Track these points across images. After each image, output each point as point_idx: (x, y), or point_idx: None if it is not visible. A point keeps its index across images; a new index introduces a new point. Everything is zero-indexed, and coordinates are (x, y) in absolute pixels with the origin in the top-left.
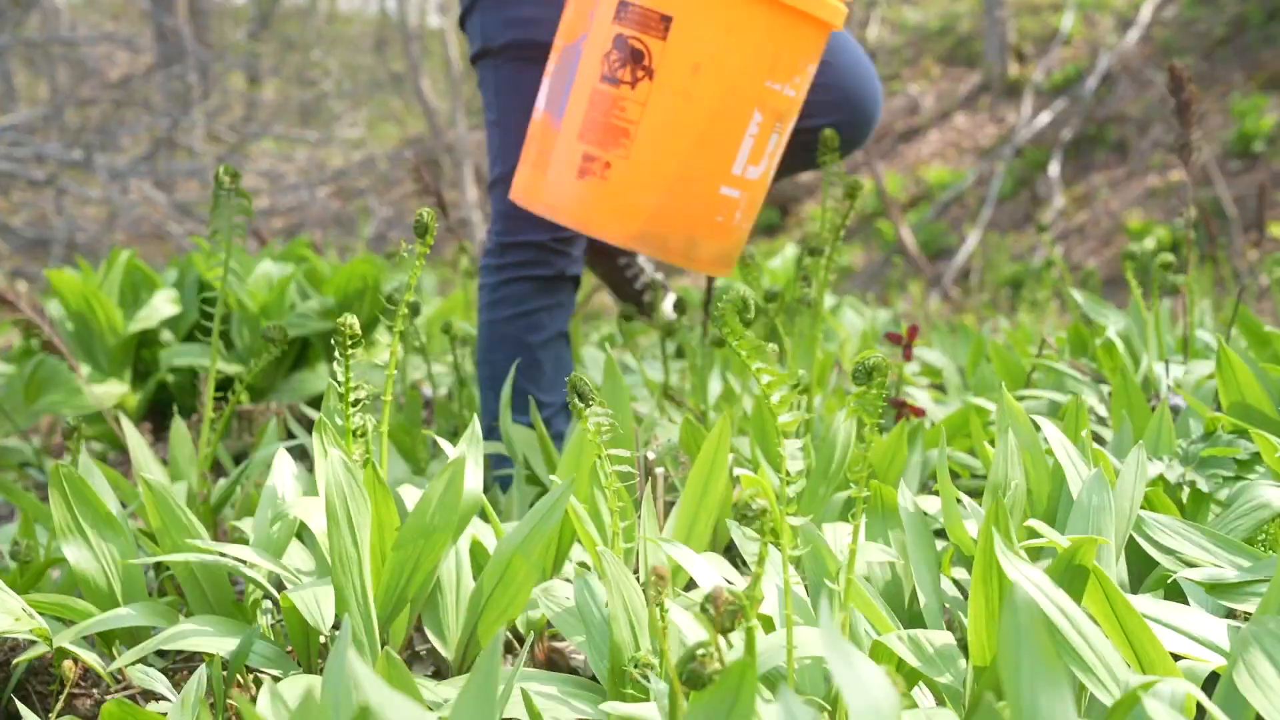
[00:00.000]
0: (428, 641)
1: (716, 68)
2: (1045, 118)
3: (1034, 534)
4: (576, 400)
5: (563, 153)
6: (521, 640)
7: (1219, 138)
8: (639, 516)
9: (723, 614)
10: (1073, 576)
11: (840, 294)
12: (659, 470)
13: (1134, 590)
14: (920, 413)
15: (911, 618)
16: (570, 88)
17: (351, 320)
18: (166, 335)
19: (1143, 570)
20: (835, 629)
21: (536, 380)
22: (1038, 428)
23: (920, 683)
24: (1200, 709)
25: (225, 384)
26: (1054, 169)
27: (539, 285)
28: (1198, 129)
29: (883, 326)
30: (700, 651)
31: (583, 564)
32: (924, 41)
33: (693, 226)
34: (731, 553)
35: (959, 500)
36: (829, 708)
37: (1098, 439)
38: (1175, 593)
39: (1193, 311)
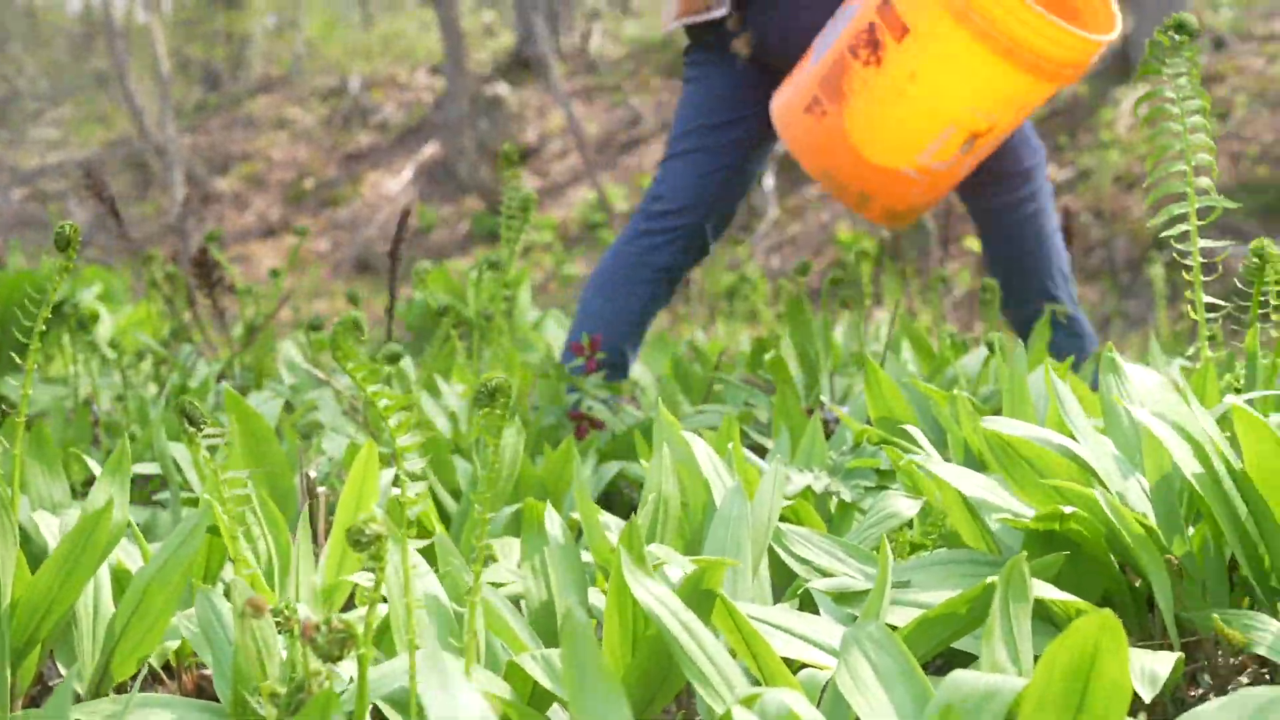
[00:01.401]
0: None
1: (929, 82)
2: None
3: (694, 548)
4: (187, 424)
5: (803, 85)
6: (170, 669)
7: None
8: (294, 538)
9: (331, 641)
10: (701, 596)
11: (575, 301)
12: (321, 490)
13: (777, 600)
14: (599, 425)
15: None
16: (832, 41)
17: None
18: None
19: (790, 579)
20: (437, 653)
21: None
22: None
23: (556, 703)
24: None
25: None
26: (769, 181)
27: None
28: None
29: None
30: (312, 680)
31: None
32: (645, 54)
33: (870, 187)
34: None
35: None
36: None
37: (763, 451)
38: (811, 602)
39: (862, 325)
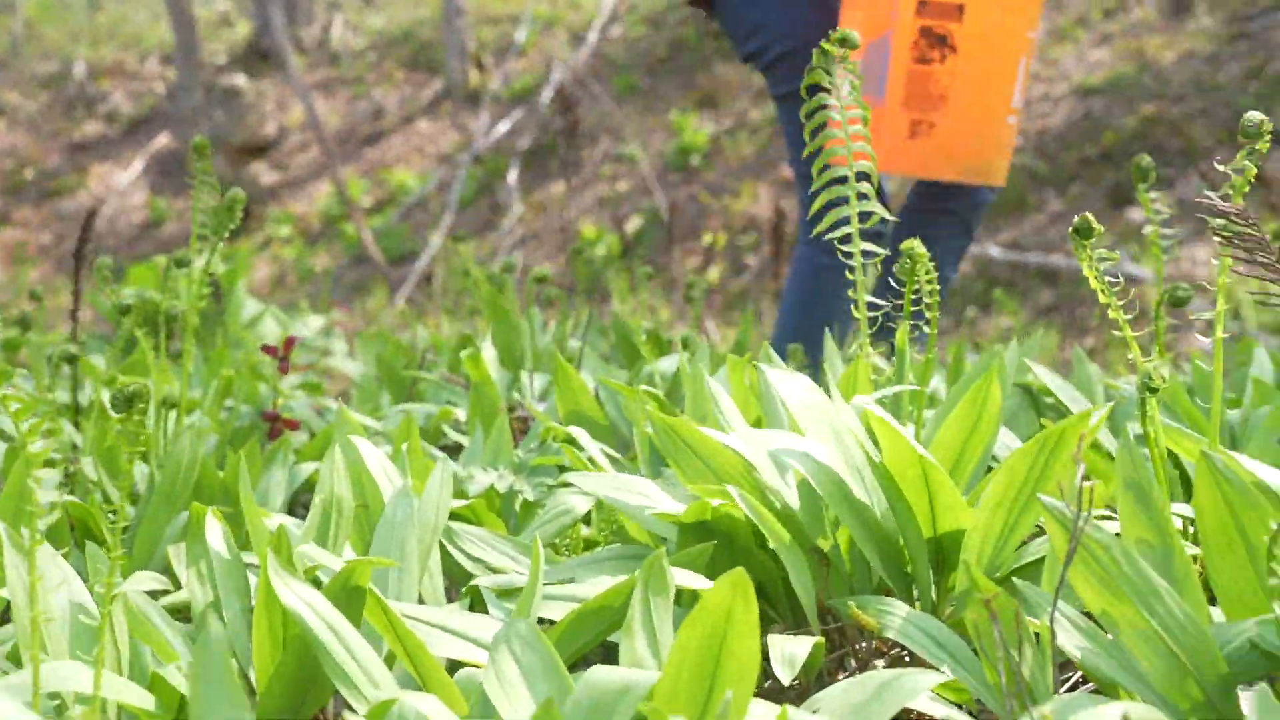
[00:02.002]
0: None
1: (1001, 35)
2: (504, 126)
3: (363, 547)
4: None
5: (892, 123)
6: None
7: (662, 151)
8: None
9: None
10: (350, 596)
11: (308, 298)
12: None
13: (452, 600)
14: (294, 426)
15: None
16: (886, 72)
17: None
18: None
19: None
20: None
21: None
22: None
23: None
24: None
25: None
26: (513, 176)
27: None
28: (586, 148)
29: (313, 334)
30: None
31: None
32: (387, 46)
33: (994, 153)
34: None
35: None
36: None
37: (460, 449)
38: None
39: (565, 323)
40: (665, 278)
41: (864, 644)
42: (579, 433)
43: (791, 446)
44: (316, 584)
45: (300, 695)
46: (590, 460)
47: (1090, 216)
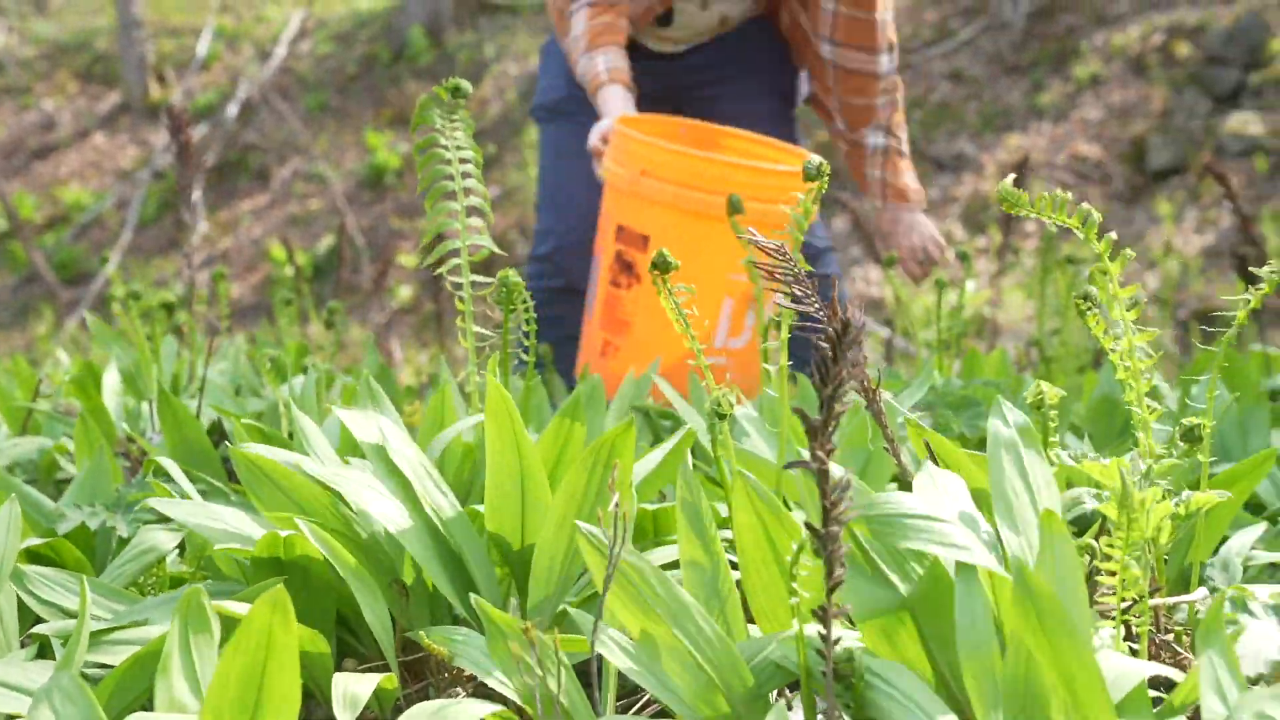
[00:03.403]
0: None
1: (690, 271)
2: None
3: None
4: None
5: (590, 338)
6: None
7: (354, 170)
8: None
9: None
10: None
11: None
12: None
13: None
14: None
15: None
16: (595, 288)
17: None
18: None
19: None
20: None
21: None
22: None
23: None
24: None
25: None
26: (197, 194)
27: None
28: (196, 168)
29: None
30: None
31: None
32: (59, 55)
33: (685, 388)
34: None
35: None
36: None
37: None
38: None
39: (198, 351)
40: (358, 297)
41: (447, 676)
42: (169, 464)
43: (365, 481)
44: None
45: None
46: (183, 494)
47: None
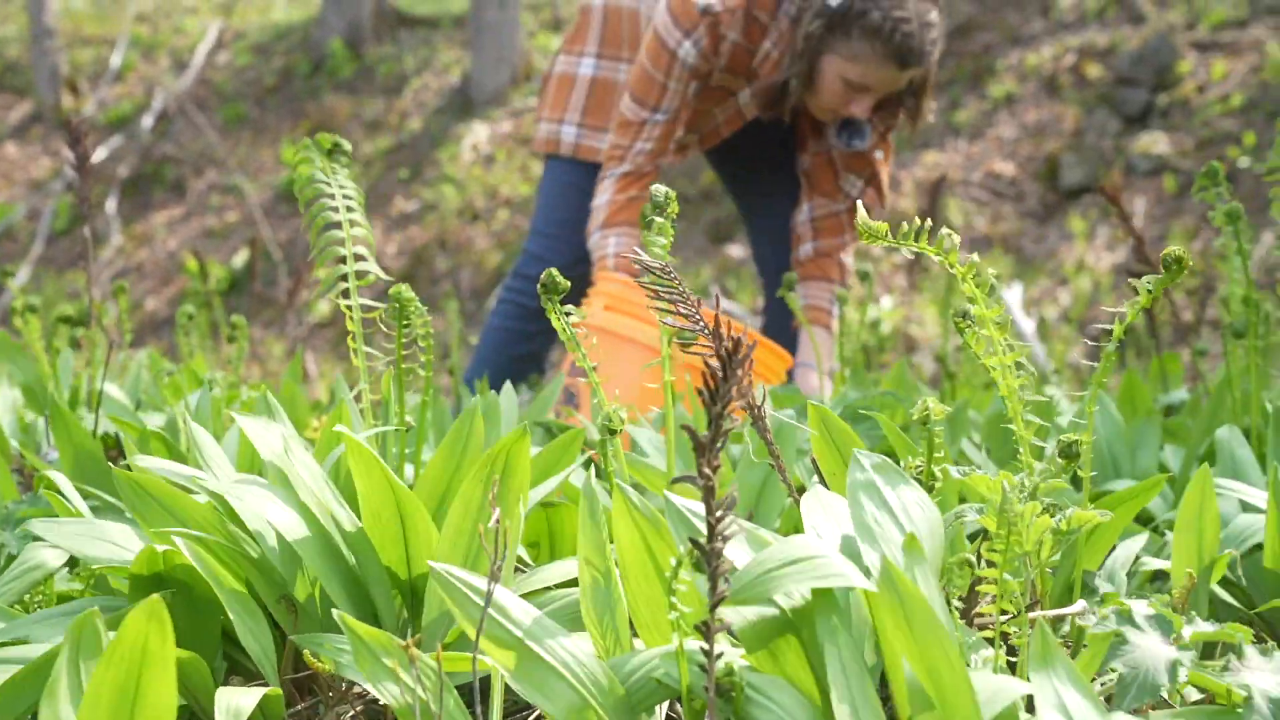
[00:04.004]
0: None
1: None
2: (102, 153)
3: None
4: None
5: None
6: None
7: (272, 182)
8: None
9: None
10: None
11: None
12: None
13: None
14: None
15: None
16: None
17: None
18: None
19: None
20: None
21: None
22: None
23: None
24: None
25: None
26: (112, 205)
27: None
28: (97, 181)
29: None
30: None
31: None
32: None
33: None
34: None
35: None
36: None
37: None
38: None
39: (97, 364)
40: (276, 311)
41: (333, 693)
42: (60, 479)
43: (260, 494)
44: None
45: None
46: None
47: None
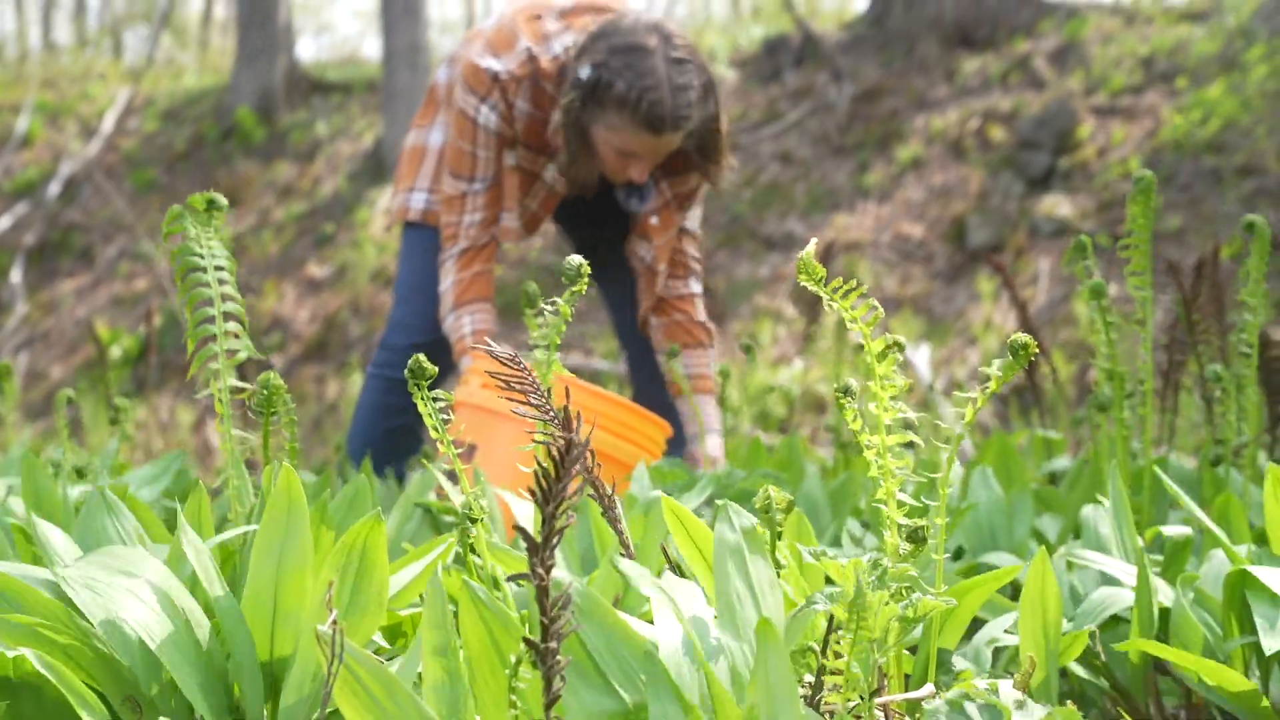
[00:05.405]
0: None
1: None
2: (6, 221)
3: None
4: None
5: None
6: None
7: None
8: None
9: None
10: None
11: None
12: None
13: None
14: None
15: None
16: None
17: None
18: None
19: None
20: None
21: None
22: None
23: None
24: None
25: None
26: (16, 274)
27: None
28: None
29: None
30: None
31: None
32: None
33: None
34: None
35: None
36: None
37: None
38: None
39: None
40: (184, 379)
41: None
42: None
43: (122, 586)
44: None
45: None
46: None
47: None
